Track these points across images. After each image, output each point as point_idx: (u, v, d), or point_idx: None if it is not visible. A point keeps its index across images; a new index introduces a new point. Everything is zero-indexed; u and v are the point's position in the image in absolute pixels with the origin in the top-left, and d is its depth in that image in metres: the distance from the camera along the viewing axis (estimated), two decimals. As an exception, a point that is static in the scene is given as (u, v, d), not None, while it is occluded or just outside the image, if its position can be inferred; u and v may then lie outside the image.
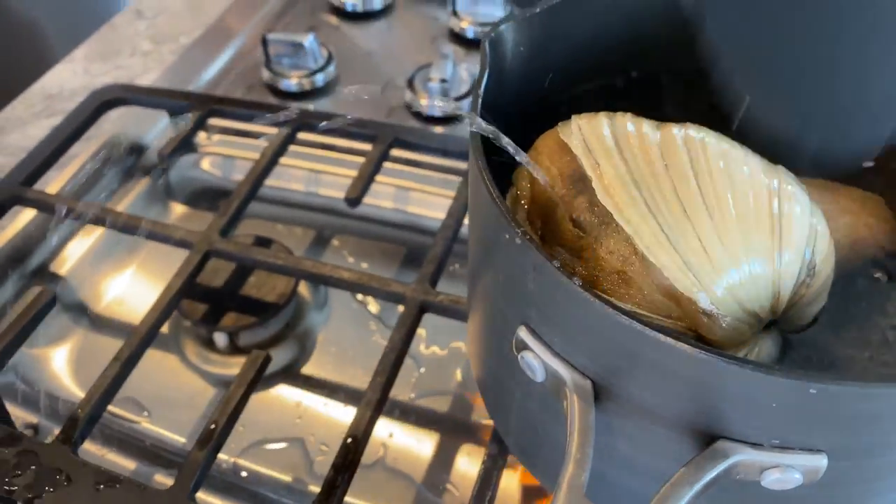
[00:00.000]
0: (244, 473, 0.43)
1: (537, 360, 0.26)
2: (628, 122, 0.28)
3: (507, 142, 0.27)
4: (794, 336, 0.32)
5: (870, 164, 0.36)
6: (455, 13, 0.67)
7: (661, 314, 0.25)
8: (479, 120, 0.26)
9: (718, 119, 0.39)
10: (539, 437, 0.32)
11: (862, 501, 0.28)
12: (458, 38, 0.67)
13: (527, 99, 0.36)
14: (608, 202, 0.25)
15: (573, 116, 0.30)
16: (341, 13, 0.71)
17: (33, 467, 0.37)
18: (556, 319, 0.25)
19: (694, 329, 0.25)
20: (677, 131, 0.28)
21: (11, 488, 0.36)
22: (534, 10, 0.33)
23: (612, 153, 0.27)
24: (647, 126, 0.28)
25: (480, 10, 0.67)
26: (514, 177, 0.31)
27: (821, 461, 0.24)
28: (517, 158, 0.27)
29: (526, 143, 0.33)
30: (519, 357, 0.27)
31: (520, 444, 0.34)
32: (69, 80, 0.66)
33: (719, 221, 0.25)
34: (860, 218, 0.36)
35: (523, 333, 0.27)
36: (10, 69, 0.91)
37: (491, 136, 0.26)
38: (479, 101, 0.29)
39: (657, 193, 0.25)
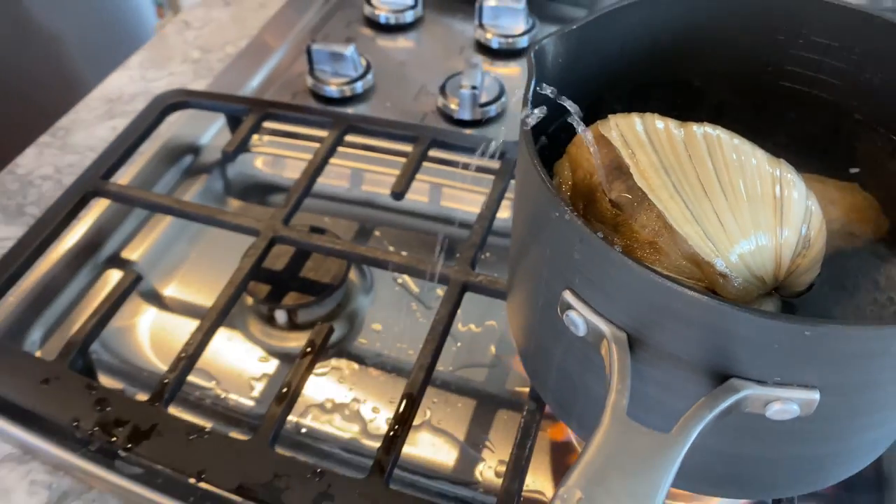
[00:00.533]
0: (304, 430, 0.49)
1: (580, 317, 0.32)
2: (657, 121, 0.34)
3: (569, 104, 0.33)
4: (796, 301, 0.38)
5: (856, 170, 0.42)
6: (481, 25, 0.73)
7: (685, 276, 0.31)
8: (532, 110, 0.32)
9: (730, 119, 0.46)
10: (577, 390, 0.37)
11: (853, 433, 0.33)
12: (483, 48, 0.73)
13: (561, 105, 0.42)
14: (644, 184, 0.31)
15: (609, 116, 0.36)
16: (376, 25, 0.77)
17: (130, 422, 0.43)
18: (598, 282, 0.31)
19: (712, 288, 0.31)
20: (697, 129, 0.34)
21: (112, 439, 0.42)
22: (571, 26, 0.39)
23: (644, 145, 0.32)
24: (672, 124, 0.34)
25: (503, 23, 0.73)
26: (556, 168, 0.37)
27: (814, 395, 0.29)
28: (577, 129, 0.33)
29: (559, 143, 0.39)
30: (564, 316, 0.33)
31: (558, 398, 0.40)
32: (127, 85, 0.72)
33: (733, 201, 0.31)
34: (847, 207, 0.41)
35: (568, 296, 0.33)
36: (66, 110, 0.98)
37: (552, 94, 0.32)
38: (530, 100, 0.35)
39: (682, 178, 0.31)
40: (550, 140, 0.41)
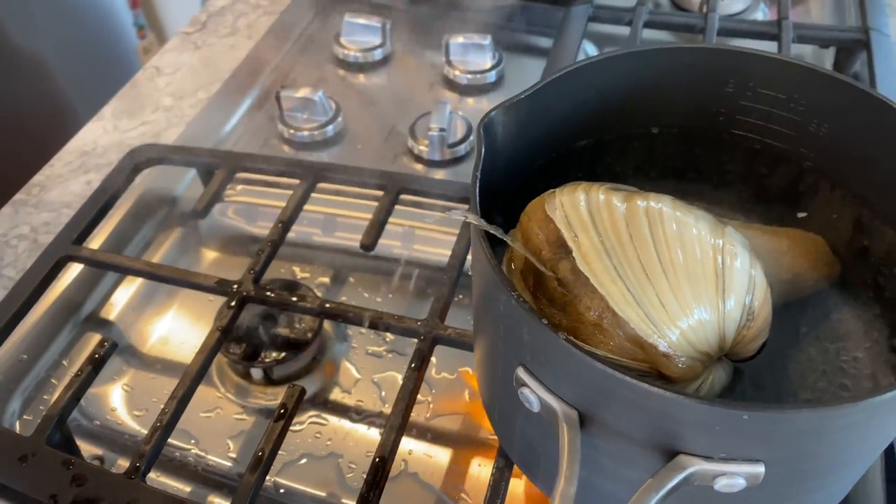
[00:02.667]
0: (282, 491, 0.50)
1: (533, 394, 0.33)
2: (601, 195, 0.35)
3: (500, 233, 0.33)
4: (751, 364, 0.39)
5: (804, 214, 0.43)
6: (449, 62, 0.74)
7: (629, 357, 0.32)
8: (478, 218, 0.33)
9: (688, 169, 0.47)
10: (538, 453, 0.38)
11: (799, 496, 0.34)
12: (452, 84, 0.74)
13: (518, 165, 0.42)
14: (586, 269, 0.32)
15: (555, 191, 0.36)
16: (345, 65, 0.77)
17: (107, 497, 0.43)
18: (547, 363, 0.32)
19: (656, 368, 0.32)
20: (640, 203, 0.34)
21: (91, 514, 0.43)
22: (519, 95, 0.39)
23: (587, 227, 0.33)
24: (615, 198, 0.35)
25: (470, 59, 0.73)
26: (511, 234, 0.38)
27: (759, 469, 0.30)
28: (510, 242, 0.34)
29: (518, 203, 0.40)
30: (518, 392, 0.34)
31: (522, 458, 0.41)
32: (101, 136, 0.72)
33: (672, 280, 0.31)
34: (800, 255, 0.42)
35: (521, 373, 0.33)
36: (48, 132, 0.98)
37: (490, 230, 0.33)
38: (478, 183, 0.35)
39: (624, 260, 0.32)
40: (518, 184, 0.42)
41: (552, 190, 0.37)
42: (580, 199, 0.34)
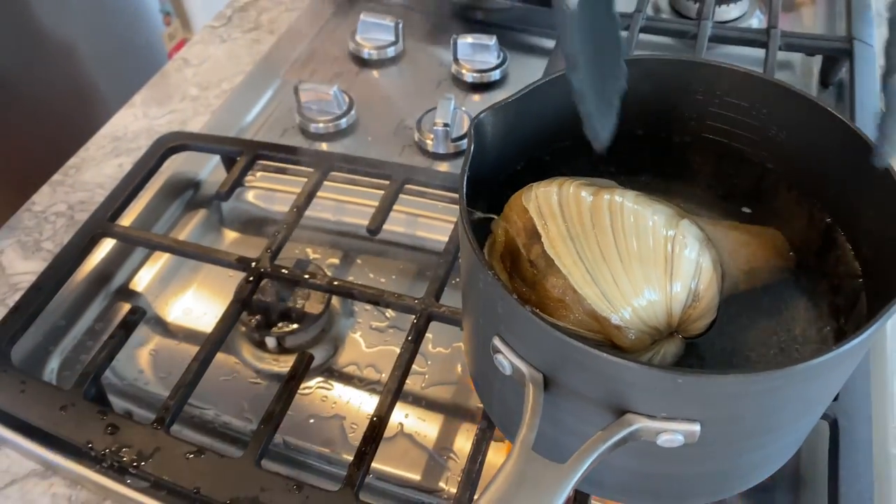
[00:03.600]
0: (292, 446, 0.55)
1: (506, 360, 0.38)
2: (571, 188, 0.40)
3: (482, 215, 0.39)
4: (706, 339, 0.44)
5: (764, 211, 0.47)
6: (456, 61, 0.79)
7: (587, 329, 0.37)
8: (466, 206, 0.38)
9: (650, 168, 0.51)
10: (512, 413, 0.43)
11: (737, 455, 0.39)
12: (459, 82, 0.79)
13: (506, 162, 0.48)
14: (552, 252, 0.37)
15: (533, 185, 0.41)
16: (359, 61, 0.83)
17: (136, 444, 0.49)
18: (517, 333, 0.37)
19: (610, 339, 0.37)
20: (606, 196, 0.39)
21: (120, 458, 0.49)
22: (508, 98, 0.45)
23: (556, 216, 0.38)
24: (584, 192, 0.40)
25: (477, 58, 0.78)
26: (493, 227, 0.43)
27: (695, 427, 0.35)
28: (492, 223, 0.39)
29: (506, 196, 0.45)
30: (494, 358, 0.39)
31: (500, 419, 0.46)
32: (132, 123, 0.78)
33: (626, 263, 0.37)
34: (759, 248, 0.47)
35: (496, 341, 0.39)
36: (61, 101, 1.04)
37: (479, 214, 0.38)
38: (466, 176, 0.41)
39: (586, 246, 0.37)
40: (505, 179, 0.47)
41: (532, 184, 0.42)
42: (553, 192, 0.40)
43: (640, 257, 0.37)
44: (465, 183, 0.40)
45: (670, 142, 0.51)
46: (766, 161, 0.49)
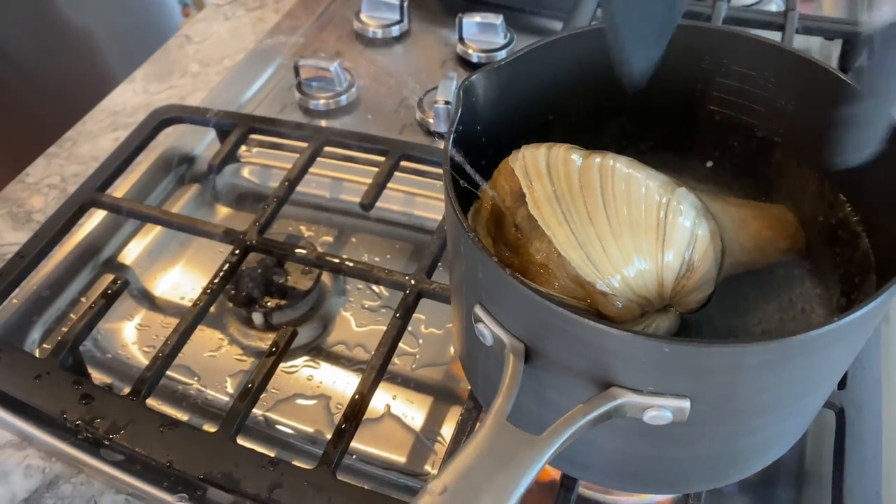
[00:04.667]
0: (274, 425, 0.54)
1: (487, 329, 0.36)
2: (562, 150, 0.38)
3: (470, 171, 0.36)
4: (702, 318, 0.42)
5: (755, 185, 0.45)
6: (461, 40, 0.77)
7: (571, 296, 0.35)
8: (452, 153, 0.36)
9: (653, 141, 0.49)
10: (497, 390, 0.41)
11: (730, 438, 0.37)
12: (464, 62, 0.77)
13: (498, 130, 0.45)
14: (536, 212, 0.35)
15: (523, 147, 0.39)
16: (364, 40, 0.81)
17: (110, 415, 0.47)
18: (499, 300, 0.35)
19: (595, 306, 0.35)
20: (597, 159, 0.37)
21: (94, 429, 0.47)
22: (500, 61, 0.42)
23: (543, 176, 0.36)
24: (575, 154, 0.38)
25: (483, 38, 0.76)
26: (480, 193, 0.41)
27: (685, 403, 0.33)
28: (479, 183, 0.37)
29: (496, 164, 0.43)
30: (475, 328, 0.37)
31: (485, 397, 0.44)
32: (131, 98, 0.77)
33: (615, 228, 0.34)
34: (764, 225, 0.45)
35: (478, 309, 0.37)
36: (78, 87, 1.03)
37: (466, 168, 0.36)
38: (451, 137, 0.38)
39: (572, 206, 0.35)
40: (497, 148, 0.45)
41: (522, 146, 0.40)
42: (542, 153, 0.37)
43: (630, 223, 0.35)
44: (449, 145, 0.38)
45: (673, 112, 0.48)
46: (774, 134, 0.46)
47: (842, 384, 0.47)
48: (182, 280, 0.63)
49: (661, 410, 0.33)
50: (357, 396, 0.47)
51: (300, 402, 0.55)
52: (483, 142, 0.43)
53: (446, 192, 0.36)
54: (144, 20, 1.47)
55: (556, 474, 0.46)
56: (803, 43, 0.78)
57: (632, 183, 0.36)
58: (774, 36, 0.71)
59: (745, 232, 0.44)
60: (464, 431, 0.45)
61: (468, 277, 0.37)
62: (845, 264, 0.43)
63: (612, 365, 0.33)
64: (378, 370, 0.48)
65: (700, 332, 0.41)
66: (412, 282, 0.52)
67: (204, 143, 0.71)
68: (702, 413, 0.33)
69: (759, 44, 0.43)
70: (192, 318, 0.52)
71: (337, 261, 0.55)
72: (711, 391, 0.33)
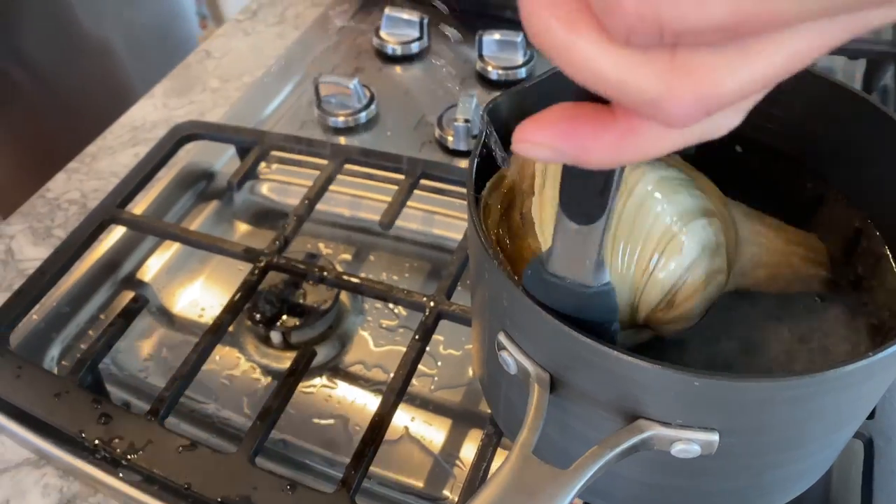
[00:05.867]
0: (290, 445, 0.53)
1: (511, 357, 0.36)
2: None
3: (495, 144, 0.36)
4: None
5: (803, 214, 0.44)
6: (481, 57, 0.77)
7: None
8: (474, 194, 0.36)
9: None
10: (519, 417, 0.41)
11: (759, 471, 0.36)
12: (484, 79, 0.77)
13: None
14: (536, 215, 0.35)
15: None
16: (383, 56, 0.81)
17: (128, 435, 0.47)
18: (524, 328, 0.35)
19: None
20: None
21: (112, 449, 0.47)
22: (525, 84, 0.42)
23: (558, 178, 0.36)
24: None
25: (503, 55, 0.76)
26: (503, 168, 0.41)
27: (714, 437, 0.32)
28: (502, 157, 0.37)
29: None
30: (499, 355, 0.37)
31: (507, 423, 0.43)
32: (151, 113, 0.77)
33: (606, 255, 0.34)
34: (795, 249, 0.44)
35: (502, 337, 0.36)
36: (98, 98, 1.04)
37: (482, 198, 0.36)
38: (476, 161, 0.38)
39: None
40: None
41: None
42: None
43: (624, 252, 0.34)
44: (474, 168, 0.38)
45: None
46: (803, 160, 0.45)
47: (871, 414, 0.46)
48: (201, 297, 0.63)
49: (689, 444, 0.32)
50: (376, 419, 0.47)
51: (318, 421, 0.54)
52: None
53: (470, 215, 0.36)
54: (163, 31, 1.47)
55: (576, 502, 0.46)
56: (826, 62, 0.77)
57: (644, 208, 0.35)
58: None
59: (770, 254, 0.43)
60: (484, 458, 0.45)
61: (492, 304, 0.37)
62: (872, 302, 0.42)
63: (641, 397, 0.32)
64: (397, 393, 0.48)
65: (689, 344, 0.40)
66: (431, 303, 0.52)
67: (224, 158, 0.71)
68: (730, 446, 0.33)
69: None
70: (211, 337, 0.51)
71: (356, 281, 0.54)
72: (741, 425, 0.32)
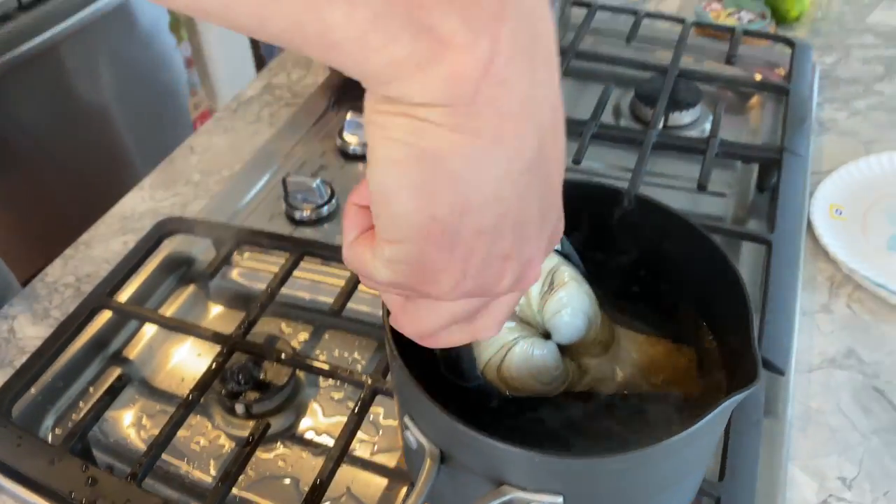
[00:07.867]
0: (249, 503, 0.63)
1: (412, 436, 0.46)
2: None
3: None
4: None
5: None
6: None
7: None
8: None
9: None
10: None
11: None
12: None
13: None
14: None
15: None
16: (345, 155, 0.92)
17: (111, 496, 0.57)
18: (419, 414, 0.45)
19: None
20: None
21: (97, 508, 0.56)
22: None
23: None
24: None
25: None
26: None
27: (558, 499, 0.42)
28: None
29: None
30: (404, 434, 0.47)
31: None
32: (139, 204, 0.88)
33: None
34: (669, 365, 0.53)
35: (406, 419, 0.46)
36: (108, 175, 1.15)
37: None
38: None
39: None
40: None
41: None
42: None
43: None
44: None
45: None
46: (655, 272, 0.56)
47: (721, 475, 0.56)
48: (179, 370, 0.73)
49: (541, 505, 0.42)
50: (318, 481, 0.56)
51: (273, 482, 0.64)
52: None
53: (386, 327, 0.46)
54: (155, 100, 1.59)
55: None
56: (729, 161, 0.89)
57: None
58: (698, 159, 0.82)
59: (654, 368, 0.53)
60: (404, 514, 0.55)
61: (399, 393, 0.47)
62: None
63: (502, 468, 0.42)
64: (335, 460, 0.57)
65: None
66: (369, 381, 0.62)
67: (202, 247, 0.82)
68: (574, 508, 0.43)
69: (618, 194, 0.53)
70: (184, 410, 0.61)
71: (308, 361, 0.65)
72: (579, 490, 0.42)
